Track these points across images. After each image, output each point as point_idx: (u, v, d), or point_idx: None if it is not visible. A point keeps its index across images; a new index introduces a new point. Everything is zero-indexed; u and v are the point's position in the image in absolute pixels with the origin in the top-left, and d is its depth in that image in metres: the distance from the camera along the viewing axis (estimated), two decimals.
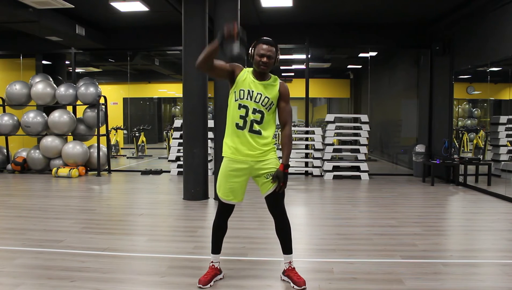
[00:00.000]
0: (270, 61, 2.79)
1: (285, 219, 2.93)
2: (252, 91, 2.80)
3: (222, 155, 2.90)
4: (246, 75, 2.85)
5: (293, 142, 7.70)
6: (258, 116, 2.80)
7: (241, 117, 2.79)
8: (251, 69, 2.90)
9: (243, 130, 2.80)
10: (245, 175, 2.86)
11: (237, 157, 2.82)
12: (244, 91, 2.81)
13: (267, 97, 2.81)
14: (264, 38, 2.85)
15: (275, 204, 2.90)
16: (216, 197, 3.03)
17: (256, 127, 2.80)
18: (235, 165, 2.84)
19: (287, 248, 2.96)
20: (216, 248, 2.99)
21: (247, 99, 2.79)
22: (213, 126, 6.91)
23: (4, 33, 9.22)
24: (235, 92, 2.83)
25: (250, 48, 2.84)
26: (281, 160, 2.87)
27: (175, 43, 8.37)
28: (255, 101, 2.79)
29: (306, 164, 9.02)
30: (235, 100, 2.82)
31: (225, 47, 2.64)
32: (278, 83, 2.88)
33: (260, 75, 2.85)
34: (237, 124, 2.81)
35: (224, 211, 2.95)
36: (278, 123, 3.00)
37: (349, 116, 12.29)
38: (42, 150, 8.67)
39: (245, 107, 2.79)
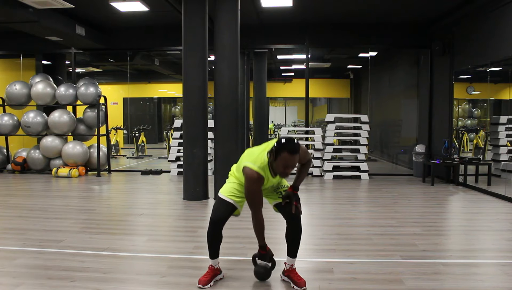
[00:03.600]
0: (292, 169, 2.75)
1: (299, 225, 2.91)
2: (275, 186, 2.99)
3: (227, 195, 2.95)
4: (266, 179, 2.81)
5: None
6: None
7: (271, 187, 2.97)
8: (265, 166, 2.74)
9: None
10: None
11: None
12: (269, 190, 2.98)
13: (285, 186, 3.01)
14: (289, 145, 2.63)
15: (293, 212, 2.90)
16: (216, 198, 3.03)
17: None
18: None
19: (293, 252, 2.95)
20: (214, 254, 2.95)
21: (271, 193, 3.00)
22: (213, 126, 6.91)
23: (4, 33, 9.22)
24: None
25: (272, 148, 2.67)
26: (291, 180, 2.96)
27: (175, 43, 8.37)
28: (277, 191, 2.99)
29: None
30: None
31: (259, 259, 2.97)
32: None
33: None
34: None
35: (219, 219, 2.86)
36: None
37: (349, 116, 12.29)
38: (42, 150, 8.67)
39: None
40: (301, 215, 2.91)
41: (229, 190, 2.92)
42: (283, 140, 2.66)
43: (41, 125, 8.77)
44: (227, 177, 3.04)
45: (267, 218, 4.62)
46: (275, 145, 2.66)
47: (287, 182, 3.01)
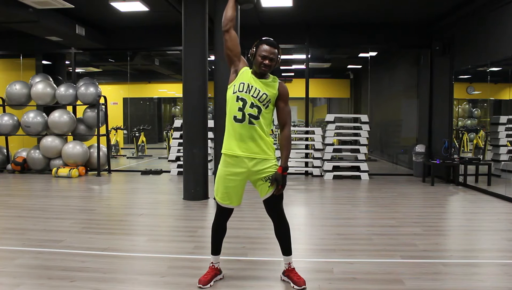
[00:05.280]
0: (272, 63, 2.79)
1: (284, 221, 2.92)
2: (251, 86, 2.79)
3: (221, 152, 2.89)
4: (247, 71, 2.86)
5: (293, 142, 7.69)
6: (255, 111, 2.77)
7: (239, 109, 2.77)
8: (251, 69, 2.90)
9: (243, 123, 2.77)
10: (242, 179, 2.84)
11: (235, 153, 2.78)
12: (244, 84, 2.80)
13: (265, 94, 2.79)
14: (267, 38, 2.84)
15: (273, 207, 2.89)
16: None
17: (253, 121, 2.78)
18: (232, 169, 2.82)
19: (286, 250, 2.96)
20: (216, 249, 2.99)
21: (246, 92, 2.78)
22: (213, 126, 6.91)
23: (4, 33, 9.22)
24: (234, 85, 2.83)
25: (252, 48, 2.84)
26: (279, 162, 2.87)
27: (175, 43, 8.37)
28: (252, 95, 2.77)
29: (306, 164, 9.02)
30: (233, 93, 2.81)
31: None
32: (277, 82, 2.87)
33: (259, 75, 2.85)
34: (235, 117, 2.78)
35: (223, 214, 2.95)
36: (277, 124, 2.99)
37: (349, 116, 12.28)
38: (42, 150, 8.67)
39: (243, 100, 2.77)
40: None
41: (219, 190, 2.88)
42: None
43: (41, 125, 8.77)
44: None
45: (261, 218, 4.63)
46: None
47: (277, 163, 2.88)
